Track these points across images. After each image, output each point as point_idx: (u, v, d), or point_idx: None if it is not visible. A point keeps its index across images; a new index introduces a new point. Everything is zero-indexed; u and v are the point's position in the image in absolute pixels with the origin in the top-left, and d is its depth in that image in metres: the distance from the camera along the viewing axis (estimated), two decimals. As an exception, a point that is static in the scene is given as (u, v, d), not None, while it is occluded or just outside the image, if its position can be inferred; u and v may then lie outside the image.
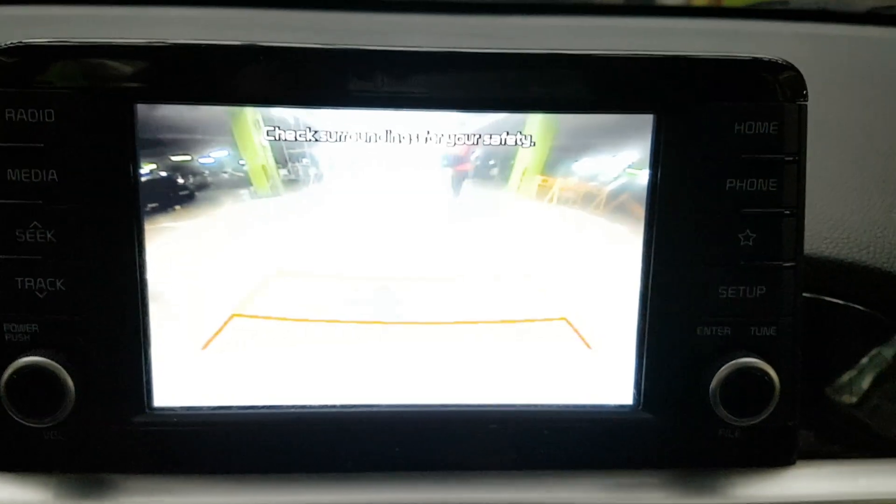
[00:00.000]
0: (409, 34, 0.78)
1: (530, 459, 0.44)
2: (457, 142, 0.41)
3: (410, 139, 0.41)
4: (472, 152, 0.42)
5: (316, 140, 0.41)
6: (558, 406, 0.44)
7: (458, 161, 0.42)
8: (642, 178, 0.42)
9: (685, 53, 0.41)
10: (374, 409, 0.43)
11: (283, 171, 0.41)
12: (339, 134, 0.41)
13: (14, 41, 0.39)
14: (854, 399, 0.55)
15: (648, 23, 0.89)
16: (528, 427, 0.44)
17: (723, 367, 0.41)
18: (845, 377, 0.55)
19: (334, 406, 0.43)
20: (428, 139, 0.41)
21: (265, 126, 0.41)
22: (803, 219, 0.43)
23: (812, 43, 0.81)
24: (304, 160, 0.41)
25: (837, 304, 0.52)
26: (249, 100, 0.40)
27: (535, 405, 0.44)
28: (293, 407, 0.43)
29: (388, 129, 0.41)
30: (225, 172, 0.41)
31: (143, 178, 0.40)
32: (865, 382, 0.55)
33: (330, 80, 0.40)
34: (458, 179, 0.42)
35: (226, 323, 0.42)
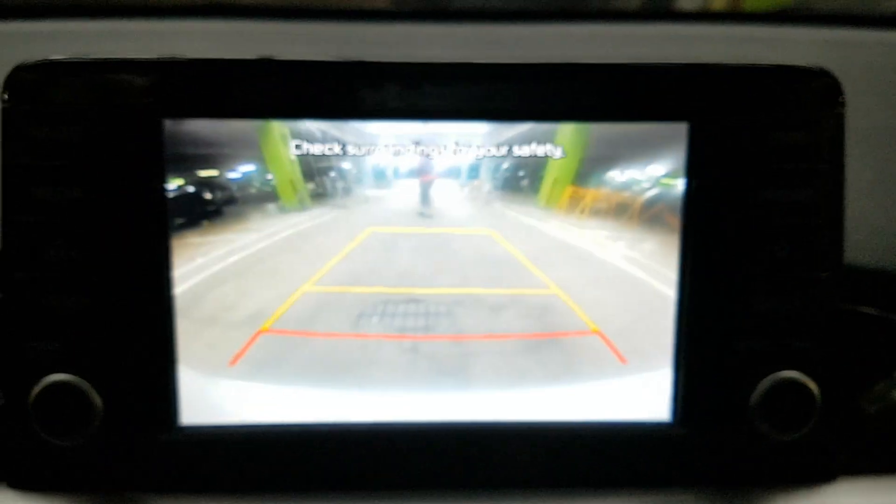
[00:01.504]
0: (423, 44, 0.77)
1: (564, 476, 0.43)
2: (486, 153, 0.41)
3: (439, 150, 0.41)
4: (502, 163, 0.41)
5: (344, 153, 0.40)
6: (593, 422, 0.43)
7: (486, 172, 0.41)
8: (676, 188, 0.41)
9: (720, 61, 0.40)
10: (405, 426, 0.43)
11: (311, 185, 0.41)
12: (366, 147, 0.40)
13: (39, 58, 0.39)
14: (889, 411, 0.53)
15: (667, 29, 0.88)
16: (561, 443, 0.43)
17: (763, 381, 0.40)
18: (880, 389, 0.54)
19: (363, 423, 0.43)
20: (457, 150, 0.41)
21: (292, 140, 0.40)
22: (842, 228, 0.42)
23: (839, 48, 0.79)
24: (332, 174, 0.41)
25: (871, 314, 0.51)
26: (276, 114, 0.40)
27: (569, 421, 0.43)
28: (321, 424, 0.42)
29: (417, 140, 0.41)
30: (252, 187, 0.41)
31: (170, 194, 0.40)
32: (900, 394, 0.53)
33: (357, 92, 0.40)
34: (488, 191, 0.41)
35: (252, 339, 0.42)
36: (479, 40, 0.78)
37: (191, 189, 0.40)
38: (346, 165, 0.41)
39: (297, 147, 0.40)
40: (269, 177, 0.41)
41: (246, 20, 0.82)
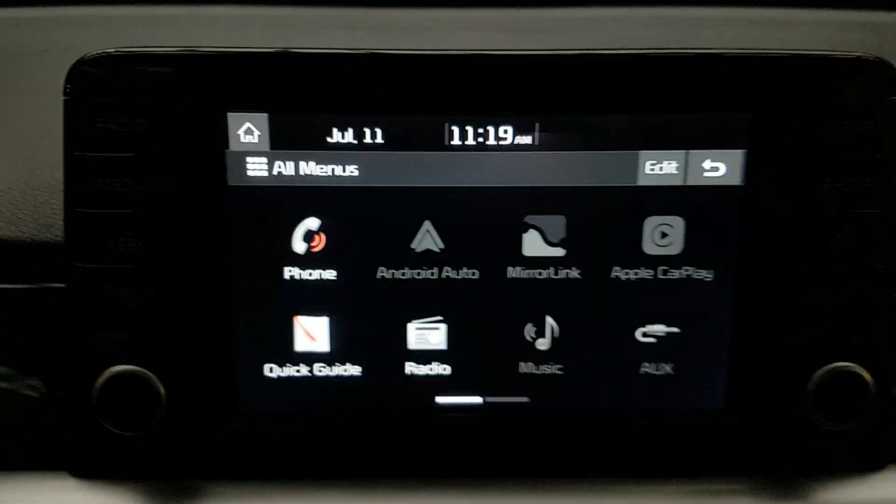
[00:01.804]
0: (447, 30, 0.77)
1: (617, 463, 0.44)
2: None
3: (498, 144, 0.41)
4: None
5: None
6: (646, 409, 0.43)
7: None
8: (736, 178, 0.41)
9: (781, 51, 0.40)
10: (464, 411, 0.43)
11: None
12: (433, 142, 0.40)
13: (100, 50, 0.39)
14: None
15: (689, 12, 0.87)
16: (613, 431, 0.44)
17: (818, 372, 0.41)
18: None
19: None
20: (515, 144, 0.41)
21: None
22: None
23: (863, 31, 0.79)
24: None
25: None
26: (343, 108, 0.39)
27: (622, 408, 0.43)
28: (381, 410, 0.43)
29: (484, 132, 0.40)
30: None
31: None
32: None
33: (425, 87, 0.39)
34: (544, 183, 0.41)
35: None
36: (484, 25, 0.78)
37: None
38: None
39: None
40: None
41: (261, 6, 0.81)
